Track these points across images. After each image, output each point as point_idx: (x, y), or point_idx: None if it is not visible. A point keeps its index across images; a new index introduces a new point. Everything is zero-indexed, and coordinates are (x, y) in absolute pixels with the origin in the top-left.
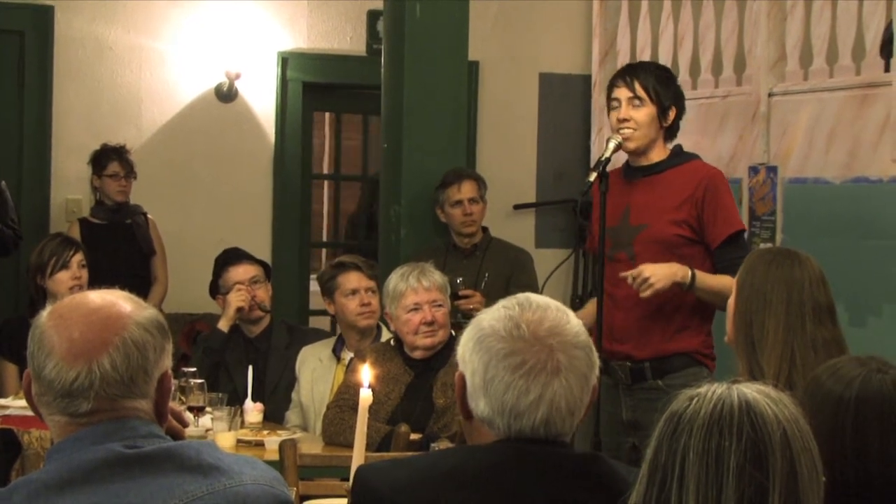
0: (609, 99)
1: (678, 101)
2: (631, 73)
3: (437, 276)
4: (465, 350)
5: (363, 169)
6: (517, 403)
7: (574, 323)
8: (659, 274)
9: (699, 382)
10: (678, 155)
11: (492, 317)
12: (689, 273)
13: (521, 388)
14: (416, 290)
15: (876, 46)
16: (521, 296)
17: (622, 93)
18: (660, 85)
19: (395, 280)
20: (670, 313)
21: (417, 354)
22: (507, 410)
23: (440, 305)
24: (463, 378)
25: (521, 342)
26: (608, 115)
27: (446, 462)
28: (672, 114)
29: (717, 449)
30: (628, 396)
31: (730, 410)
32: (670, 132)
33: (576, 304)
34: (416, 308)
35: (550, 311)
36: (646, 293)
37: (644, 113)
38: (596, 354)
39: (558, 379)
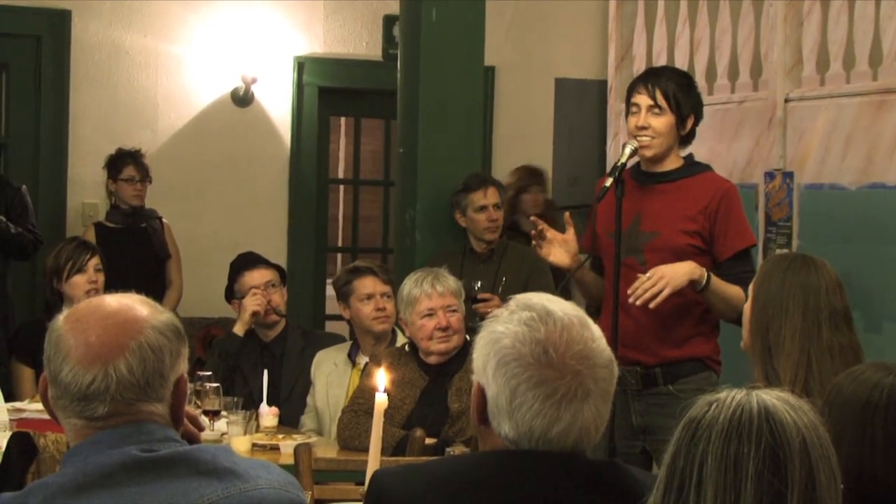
0: (628, 103)
1: (697, 108)
2: (653, 79)
3: (452, 282)
4: (486, 367)
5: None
6: (547, 430)
7: (598, 337)
8: (673, 272)
9: (710, 387)
10: (692, 165)
11: (513, 333)
12: (706, 273)
13: (552, 417)
14: (431, 296)
15: (893, 52)
16: (538, 304)
17: (642, 100)
18: (681, 93)
19: (409, 286)
20: (680, 320)
21: (432, 360)
22: (535, 436)
23: (454, 311)
24: (482, 390)
25: (550, 370)
26: (626, 119)
27: (461, 469)
28: (690, 122)
29: (735, 455)
30: (638, 401)
31: (749, 417)
32: (686, 139)
33: (591, 310)
34: (431, 314)
35: (575, 328)
36: (656, 302)
37: (663, 122)
38: (616, 365)
39: (587, 404)
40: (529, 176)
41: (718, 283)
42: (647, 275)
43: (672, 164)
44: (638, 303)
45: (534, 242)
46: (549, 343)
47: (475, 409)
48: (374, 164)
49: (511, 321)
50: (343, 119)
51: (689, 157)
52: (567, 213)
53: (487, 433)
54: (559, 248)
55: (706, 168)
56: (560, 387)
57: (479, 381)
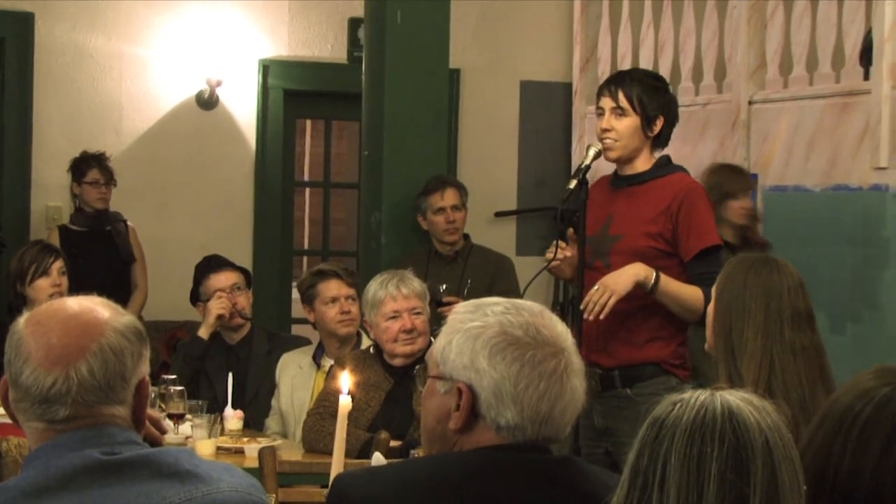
0: (596, 107)
1: (666, 110)
2: (616, 82)
3: (417, 284)
4: (475, 361)
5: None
6: (552, 410)
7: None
8: (616, 280)
9: (667, 392)
10: (662, 166)
11: (496, 322)
12: (654, 274)
13: (557, 393)
14: (395, 298)
15: (855, 54)
16: (501, 299)
17: (606, 102)
18: (645, 94)
19: (373, 288)
20: (639, 323)
21: (397, 362)
22: (541, 418)
23: (419, 313)
24: (471, 389)
25: (548, 347)
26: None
27: (421, 471)
28: (659, 123)
29: (698, 455)
30: (599, 403)
31: (712, 417)
32: (658, 141)
33: (556, 313)
34: (396, 316)
35: (547, 313)
36: (604, 313)
37: (626, 124)
38: None
39: (578, 380)
40: (734, 178)
41: (669, 284)
42: (595, 287)
43: (643, 165)
44: (591, 318)
45: (550, 266)
46: (537, 323)
47: (463, 411)
48: (340, 166)
49: (485, 315)
50: (309, 121)
51: (662, 159)
52: (571, 230)
53: (468, 437)
54: (566, 264)
55: (677, 169)
56: (559, 363)
57: (465, 378)
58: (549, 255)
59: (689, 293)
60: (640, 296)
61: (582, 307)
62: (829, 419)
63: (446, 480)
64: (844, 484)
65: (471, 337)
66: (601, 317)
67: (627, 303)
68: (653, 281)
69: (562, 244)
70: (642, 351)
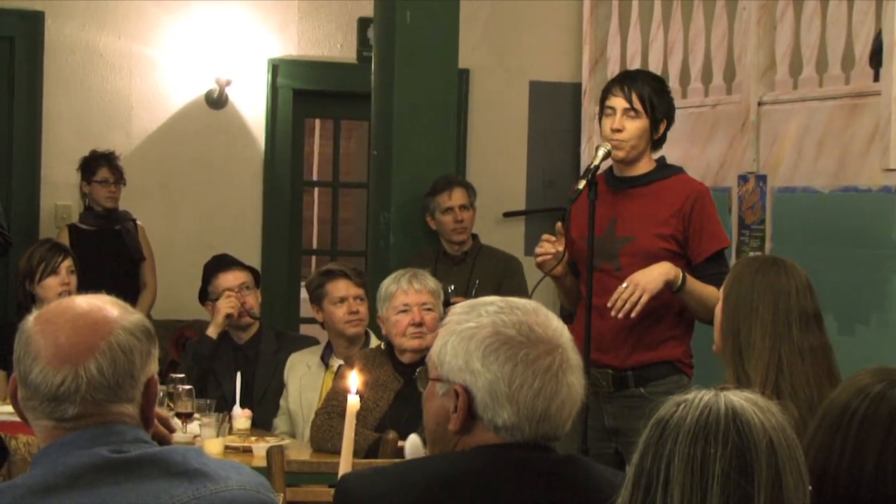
0: (603, 105)
1: (670, 113)
2: (629, 82)
3: (430, 282)
4: (470, 361)
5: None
6: (548, 407)
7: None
8: (648, 278)
9: (681, 390)
10: (665, 167)
11: (490, 323)
12: (681, 273)
13: (552, 391)
14: (407, 292)
15: (865, 56)
16: (496, 299)
17: (618, 102)
18: (655, 96)
19: (387, 282)
20: (653, 324)
21: (406, 358)
22: (537, 416)
23: (430, 309)
24: (466, 390)
25: (542, 345)
26: (600, 121)
27: (426, 470)
28: (663, 126)
29: (702, 455)
30: (609, 404)
31: (716, 417)
32: (657, 143)
33: (564, 314)
34: (406, 309)
35: (542, 310)
36: (636, 311)
37: (638, 125)
38: None
39: (576, 376)
40: None
41: (694, 283)
42: (623, 285)
43: (645, 167)
44: (620, 316)
45: (539, 259)
46: (530, 322)
47: (460, 413)
48: (349, 165)
49: (479, 315)
50: (318, 121)
51: (661, 160)
52: (559, 224)
53: (468, 438)
54: (555, 258)
55: (679, 170)
56: (554, 360)
57: (461, 380)
58: (539, 251)
59: (711, 293)
60: (659, 296)
61: (610, 305)
62: (827, 418)
63: (449, 479)
64: (846, 481)
65: (465, 338)
66: (632, 315)
67: (648, 302)
68: (681, 280)
69: (550, 237)
70: (657, 351)
